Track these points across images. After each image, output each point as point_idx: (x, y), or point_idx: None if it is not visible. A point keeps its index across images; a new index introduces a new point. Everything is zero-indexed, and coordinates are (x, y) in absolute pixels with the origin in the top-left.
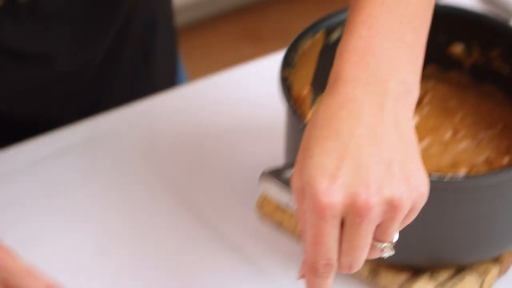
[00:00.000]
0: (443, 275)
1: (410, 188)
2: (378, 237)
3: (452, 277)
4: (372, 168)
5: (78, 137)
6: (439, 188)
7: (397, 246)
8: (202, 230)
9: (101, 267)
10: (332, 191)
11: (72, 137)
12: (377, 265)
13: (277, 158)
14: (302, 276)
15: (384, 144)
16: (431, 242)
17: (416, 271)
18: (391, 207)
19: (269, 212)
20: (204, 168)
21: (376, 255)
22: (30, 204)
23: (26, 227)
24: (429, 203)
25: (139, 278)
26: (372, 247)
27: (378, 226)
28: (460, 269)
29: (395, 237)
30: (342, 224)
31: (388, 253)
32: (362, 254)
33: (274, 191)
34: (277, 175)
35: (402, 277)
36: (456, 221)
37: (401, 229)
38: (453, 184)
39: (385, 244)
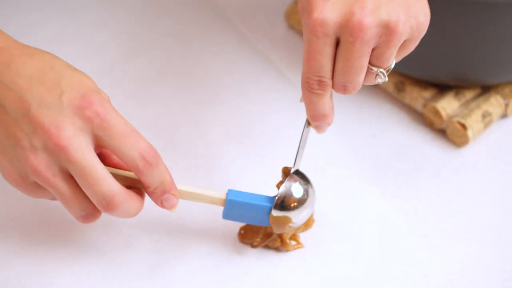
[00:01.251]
0: (468, 95)
1: (409, 15)
2: (373, 62)
3: (477, 97)
4: None
5: None
6: (467, 2)
7: (423, 63)
8: (230, 39)
9: (126, 71)
10: (326, 8)
11: None
12: (402, 82)
13: None
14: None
15: None
16: (457, 60)
17: (441, 90)
18: (387, 30)
19: (297, 22)
20: None
21: (371, 81)
22: (56, 3)
23: (52, 27)
24: (456, 19)
25: (165, 84)
26: (368, 71)
27: (374, 50)
28: (484, 91)
29: (391, 64)
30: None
31: (382, 79)
32: (356, 76)
33: None
34: None
35: (427, 94)
36: (482, 39)
37: (400, 58)
38: None
39: (380, 69)
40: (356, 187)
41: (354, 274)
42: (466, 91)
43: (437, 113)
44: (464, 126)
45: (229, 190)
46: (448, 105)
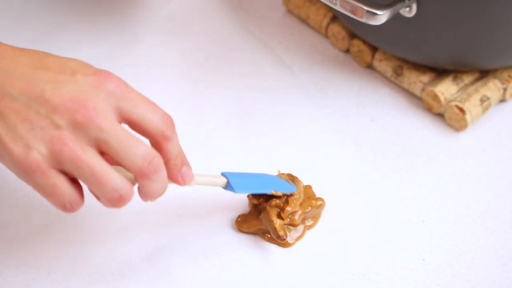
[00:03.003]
0: (466, 80)
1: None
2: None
3: (475, 82)
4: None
5: None
6: None
7: (421, 47)
8: (227, 24)
9: (123, 59)
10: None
11: None
12: (400, 66)
13: None
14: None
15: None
16: (456, 44)
17: (440, 74)
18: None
19: (296, 5)
20: None
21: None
22: None
23: (49, 16)
24: (454, 3)
25: (162, 72)
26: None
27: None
28: (483, 75)
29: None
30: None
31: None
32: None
33: None
34: None
35: (425, 78)
36: (481, 23)
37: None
38: None
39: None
40: (355, 172)
41: (352, 258)
42: (464, 76)
43: (435, 97)
44: (462, 110)
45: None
46: (446, 90)
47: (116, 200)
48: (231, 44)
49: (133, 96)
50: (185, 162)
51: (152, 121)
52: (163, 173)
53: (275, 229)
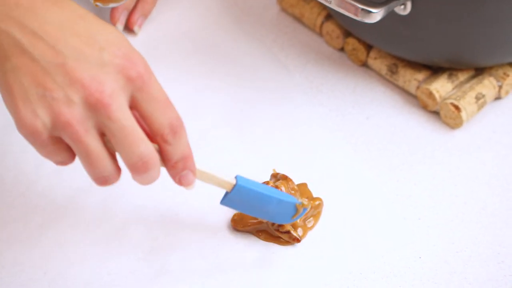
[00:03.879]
0: (461, 77)
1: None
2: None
3: (470, 79)
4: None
5: None
6: None
7: (416, 45)
8: (222, 22)
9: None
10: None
11: None
12: (395, 64)
13: None
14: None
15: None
16: (451, 42)
17: (435, 72)
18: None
19: (290, 4)
20: None
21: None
22: None
23: None
24: (450, 1)
25: (157, 72)
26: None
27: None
28: (478, 73)
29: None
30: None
31: None
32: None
33: None
34: None
35: (420, 76)
36: (476, 21)
37: None
38: None
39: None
40: (350, 170)
41: (348, 256)
42: (459, 73)
43: (430, 95)
44: (458, 108)
45: (238, 176)
46: (441, 87)
47: (101, 183)
48: (226, 43)
49: (150, 90)
50: (187, 167)
51: (157, 122)
52: (155, 172)
53: (289, 232)
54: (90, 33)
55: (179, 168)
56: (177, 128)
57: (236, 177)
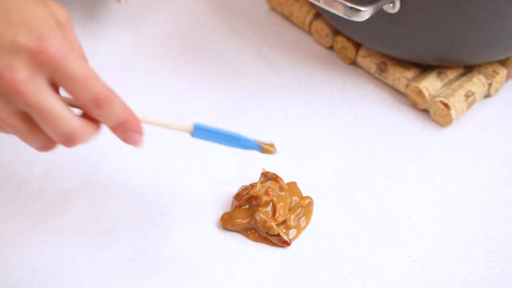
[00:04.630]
0: (451, 75)
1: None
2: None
3: (459, 77)
4: None
5: None
6: None
7: (405, 43)
8: (211, 21)
9: (116, 52)
10: None
11: None
12: (384, 62)
13: None
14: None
15: None
16: (440, 40)
17: (424, 70)
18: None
19: (279, 3)
20: None
21: None
22: None
23: None
24: (440, 0)
25: (147, 71)
26: None
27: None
28: (467, 71)
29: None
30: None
31: None
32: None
33: None
34: None
35: (409, 74)
36: (465, 19)
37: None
38: None
39: None
40: (340, 168)
41: (338, 255)
42: (448, 71)
43: (420, 93)
44: (447, 106)
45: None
46: (430, 85)
47: (41, 149)
48: (215, 42)
49: (66, 70)
50: (129, 130)
51: (79, 97)
52: (87, 139)
53: (279, 236)
54: (7, 15)
55: (119, 131)
56: (102, 100)
57: (194, 124)
